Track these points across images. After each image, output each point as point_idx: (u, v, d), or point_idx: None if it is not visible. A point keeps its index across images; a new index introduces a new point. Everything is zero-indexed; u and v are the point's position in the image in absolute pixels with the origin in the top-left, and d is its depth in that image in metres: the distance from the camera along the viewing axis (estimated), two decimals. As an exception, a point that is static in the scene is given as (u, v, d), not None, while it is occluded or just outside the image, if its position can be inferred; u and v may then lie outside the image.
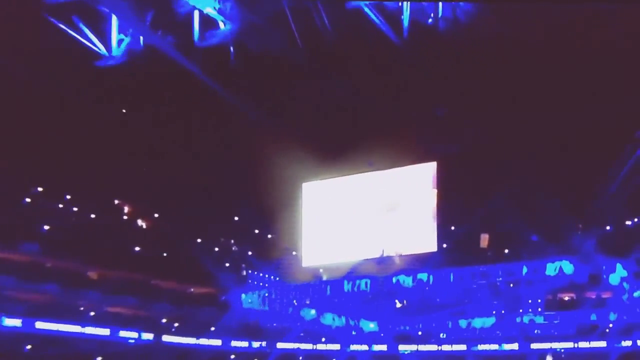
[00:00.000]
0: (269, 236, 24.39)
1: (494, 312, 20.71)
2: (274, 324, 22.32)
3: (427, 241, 21.41)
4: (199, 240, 23.27)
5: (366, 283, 20.33)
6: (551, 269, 18.82)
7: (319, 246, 22.72)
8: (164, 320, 21.71)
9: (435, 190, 21.56)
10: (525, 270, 19.18)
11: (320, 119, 19.36)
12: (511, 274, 19.50)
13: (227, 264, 23.63)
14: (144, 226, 24.01)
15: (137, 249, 22.73)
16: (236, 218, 23.76)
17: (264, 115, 18.32)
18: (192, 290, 23.55)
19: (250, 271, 23.54)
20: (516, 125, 18.97)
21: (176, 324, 21.90)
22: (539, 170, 19.77)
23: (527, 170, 19.67)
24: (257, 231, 24.39)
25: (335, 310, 21.62)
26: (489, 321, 20.77)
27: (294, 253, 23.07)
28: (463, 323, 21.16)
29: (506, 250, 21.55)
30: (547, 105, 18.11)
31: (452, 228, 21.88)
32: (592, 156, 18.95)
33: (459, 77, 16.38)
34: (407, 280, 20.14)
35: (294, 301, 21.35)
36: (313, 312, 21.52)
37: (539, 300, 20.65)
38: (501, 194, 19.55)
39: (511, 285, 19.78)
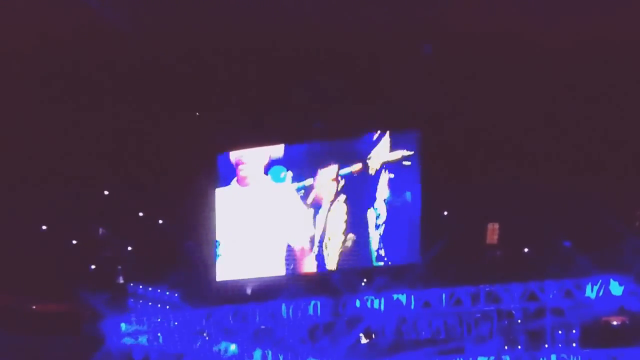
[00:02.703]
0: (165, 234, 23.81)
1: (505, 350, 19.86)
2: (173, 369, 22.16)
3: (405, 247, 20.78)
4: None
5: (315, 306, 19.73)
6: (591, 290, 18.09)
7: (242, 251, 22.17)
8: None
9: (418, 170, 20.86)
10: (552, 291, 18.39)
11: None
12: (531, 296, 18.61)
13: (95, 272, 23.84)
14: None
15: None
16: (106, 192, 23.69)
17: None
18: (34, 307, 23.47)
19: (135, 287, 23.17)
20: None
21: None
22: (570, 148, 19.89)
23: (554, 144, 19.74)
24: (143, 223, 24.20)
25: (267, 346, 21.05)
26: (498, 364, 20.23)
27: (204, 261, 22.64)
28: (459, 367, 20.67)
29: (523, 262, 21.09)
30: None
31: (442, 226, 21.15)
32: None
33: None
34: (376, 304, 19.43)
35: (204, 333, 20.86)
36: (234, 347, 20.98)
37: (573, 332, 20.04)
38: (516, 178, 19.46)
39: (531, 312, 18.98)
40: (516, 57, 19.16)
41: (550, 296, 18.44)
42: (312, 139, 21.39)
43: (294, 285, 20.86)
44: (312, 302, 19.97)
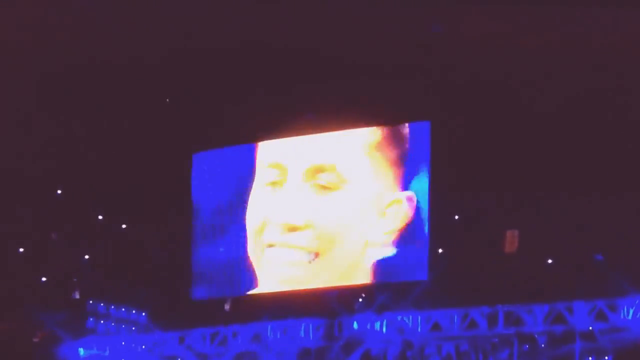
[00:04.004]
0: (129, 241, 23.78)
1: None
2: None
3: (410, 261, 20.63)
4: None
5: (306, 328, 20.08)
6: (627, 312, 18.57)
7: (221, 263, 21.99)
8: None
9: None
10: (582, 312, 18.83)
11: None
12: (558, 318, 19.04)
13: (46, 286, 23.53)
14: None
15: None
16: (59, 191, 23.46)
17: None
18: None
19: (94, 304, 23.12)
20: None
21: None
22: (608, 143, 19.77)
23: (587, 138, 19.67)
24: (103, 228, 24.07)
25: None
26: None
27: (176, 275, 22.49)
28: (474, 401, 20.99)
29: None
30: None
31: (453, 234, 21.22)
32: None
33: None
34: (377, 325, 19.87)
35: (177, 359, 21.01)
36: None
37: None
38: (540, 177, 19.52)
39: (558, 336, 19.30)
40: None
41: (580, 318, 18.74)
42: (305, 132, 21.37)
43: (281, 304, 20.84)
44: (303, 323, 20.28)
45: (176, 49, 20.25)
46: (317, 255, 20.68)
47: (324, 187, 20.84)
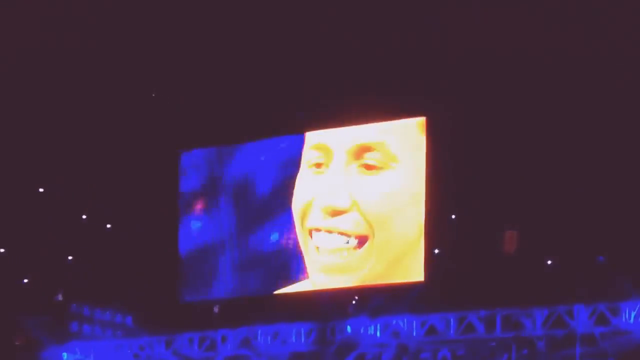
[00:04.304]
0: (115, 242, 23.66)
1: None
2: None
3: (406, 263, 20.55)
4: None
5: (298, 332, 19.95)
6: (629, 316, 18.51)
7: (211, 265, 22.06)
8: None
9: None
10: (583, 315, 18.82)
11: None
12: (558, 321, 18.99)
13: (28, 287, 23.44)
14: None
15: None
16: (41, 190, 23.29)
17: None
18: None
19: (78, 307, 23.14)
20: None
21: None
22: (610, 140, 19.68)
23: (589, 134, 19.61)
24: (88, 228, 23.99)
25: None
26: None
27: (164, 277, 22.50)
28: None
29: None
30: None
31: (450, 234, 21.08)
32: None
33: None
34: (371, 330, 19.81)
35: None
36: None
37: (608, 366, 20.42)
38: (541, 174, 19.53)
39: (558, 340, 19.23)
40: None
41: (581, 322, 18.70)
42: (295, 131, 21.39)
43: (272, 307, 20.92)
44: (295, 327, 20.25)
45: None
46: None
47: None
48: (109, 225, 23.92)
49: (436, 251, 20.90)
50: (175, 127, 22.13)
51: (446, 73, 20.24)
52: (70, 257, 23.72)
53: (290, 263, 21.19)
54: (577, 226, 19.78)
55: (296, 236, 21.04)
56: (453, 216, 21.44)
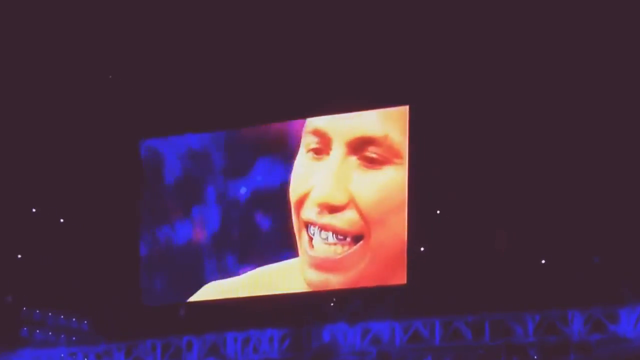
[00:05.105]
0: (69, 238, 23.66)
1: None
2: None
3: (387, 264, 20.71)
4: None
5: (271, 338, 20.14)
6: (627, 321, 18.72)
7: (175, 263, 22.19)
8: None
9: (404, 160, 20.66)
10: (578, 321, 19.01)
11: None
12: (550, 327, 19.21)
13: None
14: None
15: None
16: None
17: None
18: None
19: (29, 311, 23.19)
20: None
21: None
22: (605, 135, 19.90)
23: (583, 127, 19.82)
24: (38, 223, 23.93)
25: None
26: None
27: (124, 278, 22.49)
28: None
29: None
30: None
31: (434, 231, 21.43)
32: None
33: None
34: (351, 335, 19.89)
35: None
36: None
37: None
38: (532, 169, 19.69)
39: (550, 348, 19.46)
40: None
41: (575, 328, 18.91)
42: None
43: (243, 310, 20.95)
44: (267, 333, 20.34)
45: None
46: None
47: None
48: (62, 220, 23.90)
49: (422, 249, 21.23)
50: (136, 114, 22.10)
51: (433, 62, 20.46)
52: (19, 256, 23.67)
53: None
54: (571, 224, 19.96)
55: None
56: (438, 212, 21.60)
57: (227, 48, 21.45)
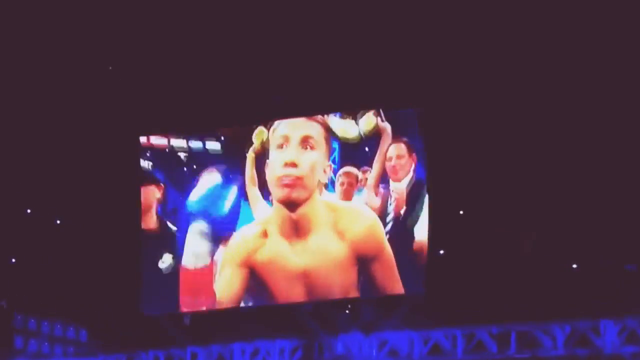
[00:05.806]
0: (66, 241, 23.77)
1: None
2: None
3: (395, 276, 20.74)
4: None
5: (281, 350, 20.32)
6: None
7: (178, 272, 22.09)
8: None
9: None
10: (608, 333, 18.85)
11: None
12: (581, 339, 19.04)
13: None
14: None
15: None
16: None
17: None
18: None
19: (24, 319, 23.27)
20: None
21: None
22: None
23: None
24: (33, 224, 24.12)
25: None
26: None
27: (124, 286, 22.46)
28: None
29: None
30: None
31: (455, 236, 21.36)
32: None
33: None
34: (365, 347, 20.01)
35: None
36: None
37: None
38: (562, 169, 19.88)
39: None
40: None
41: (608, 340, 18.79)
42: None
43: (251, 320, 21.03)
44: (278, 344, 20.46)
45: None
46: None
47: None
48: (58, 221, 24.03)
49: (441, 252, 21.20)
50: (136, 111, 22.22)
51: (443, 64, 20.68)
52: (13, 260, 23.81)
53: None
54: (603, 229, 19.98)
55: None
56: (461, 212, 21.68)
57: (227, 48, 21.77)
